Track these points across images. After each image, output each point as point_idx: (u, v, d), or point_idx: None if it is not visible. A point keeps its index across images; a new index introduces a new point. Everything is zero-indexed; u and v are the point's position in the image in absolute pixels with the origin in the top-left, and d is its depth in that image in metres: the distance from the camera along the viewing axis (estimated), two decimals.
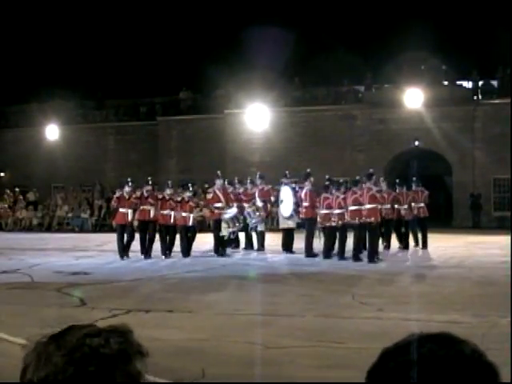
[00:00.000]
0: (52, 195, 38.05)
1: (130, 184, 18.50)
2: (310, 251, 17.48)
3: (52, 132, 38.22)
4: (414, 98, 31.38)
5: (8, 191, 36.16)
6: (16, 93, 38.96)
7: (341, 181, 18.56)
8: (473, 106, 31.85)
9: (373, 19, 36.58)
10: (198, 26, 39.59)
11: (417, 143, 31.99)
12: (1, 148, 39.79)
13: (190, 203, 18.04)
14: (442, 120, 31.25)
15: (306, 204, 17.92)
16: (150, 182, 19.15)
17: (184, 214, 17.85)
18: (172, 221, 18.03)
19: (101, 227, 33.42)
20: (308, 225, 17.87)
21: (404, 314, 8.90)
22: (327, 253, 16.92)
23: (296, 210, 18.48)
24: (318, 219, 17.30)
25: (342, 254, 16.62)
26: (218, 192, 18.43)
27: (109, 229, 32.89)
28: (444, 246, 19.69)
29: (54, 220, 34.69)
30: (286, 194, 18.93)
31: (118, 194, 18.50)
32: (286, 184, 19.42)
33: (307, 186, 18.14)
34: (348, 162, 32.24)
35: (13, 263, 16.06)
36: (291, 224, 18.66)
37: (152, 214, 18.20)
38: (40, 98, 38.80)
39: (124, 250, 17.68)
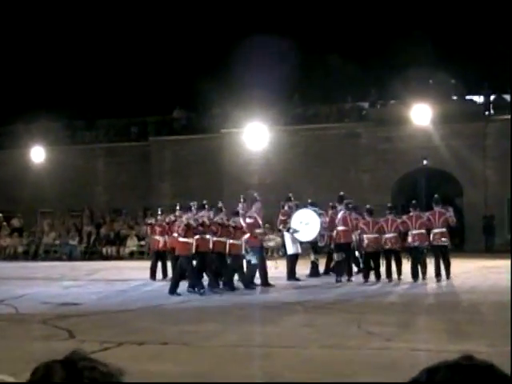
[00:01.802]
0: (38, 221, 38.03)
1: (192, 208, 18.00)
2: (343, 273, 18.14)
3: (38, 154, 38.26)
4: (421, 114, 31.48)
5: None
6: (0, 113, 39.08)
7: (389, 205, 19.29)
8: (484, 122, 31.97)
9: (377, 32, 36.81)
10: (193, 41, 39.85)
11: (425, 162, 32.04)
12: None
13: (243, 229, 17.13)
14: (451, 137, 31.33)
15: (341, 228, 18.14)
16: (207, 207, 17.94)
17: (237, 242, 16.88)
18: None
19: (90, 255, 33.37)
20: (345, 250, 18.20)
21: (414, 344, 8.88)
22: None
23: (322, 234, 18.82)
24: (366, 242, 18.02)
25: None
26: (257, 216, 17.74)
27: (99, 256, 32.96)
28: (456, 272, 19.65)
29: (40, 247, 34.63)
30: (312, 218, 19.02)
31: (183, 221, 16.40)
32: (306, 207, 19.61)
33: (342, 210, 18.42)
34: (352, 183, 32.26)
35: None
36: (299, 249, 18.80)
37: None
38: (25, 119, 38.90)
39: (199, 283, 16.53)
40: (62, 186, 38.07)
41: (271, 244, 18.21)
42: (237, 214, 17.28)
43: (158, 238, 19.94)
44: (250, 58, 33.14)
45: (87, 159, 38.94)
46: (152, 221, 20.66)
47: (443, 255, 18.05)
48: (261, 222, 17.85)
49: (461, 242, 31.68)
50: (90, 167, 38.89)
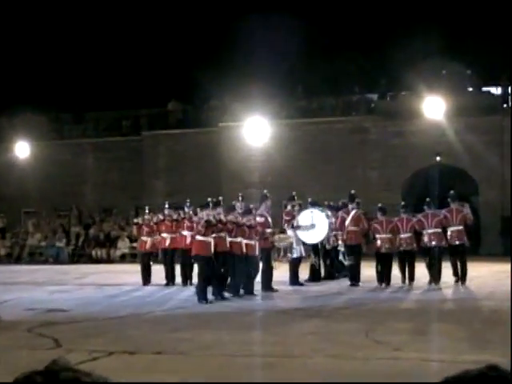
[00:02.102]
0: (22, 221, 38.06)
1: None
2: (356, 279, 18.24)
3: (22, 149, 38.22)
4: (434, 107, 31.48)
5: None
6: None
7: (402, 203, 19.35)
8: (501, 116, 31.95)
9: (386, 18, 36.79)
10: (189, 28, 39.83)
11: (438, 159, 32.05)
12: None
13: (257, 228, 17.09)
14: (466, 132, 31.31)
15: (352, 228, 18.17)
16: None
17: (252, 242, 16.73)
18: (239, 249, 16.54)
19: (78, 258, 33.38)
20: (356, 252, 18.31)
21: (425, 354, 8.88)
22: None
23: (329, 237, 19.04)
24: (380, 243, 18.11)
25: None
26: (267, 215, 17.81)
27: (88, 259, 32.96)
28: (471, 276, 19.64)
29: (24, 250, 34.64)
30: (320, 219, 19.10)
31: (202, 217, 15.98)
32: (313, 206, 19.66)
33: (354, 209, 18.44)
34: (360, 181, 32.25)
35: None
36: (303, 252, 18.84)
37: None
38: (9, 112, 38.90)
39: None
40: (48, 183, 38.08)
41: (283, 244, 18.19)
42: (250, 211, 17.22)
43: (145, 238, 19.93)
44: (251, 47, 33.13)
45: (75, 155, 38.93)
46: (139, 220, 20.66)
47: (461, 256, 18.07)
48: (271, 222, 17.90)
49: (476, 245, 31.66)
50: (78, 163, 38.88)
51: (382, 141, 33.45)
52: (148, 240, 19.79)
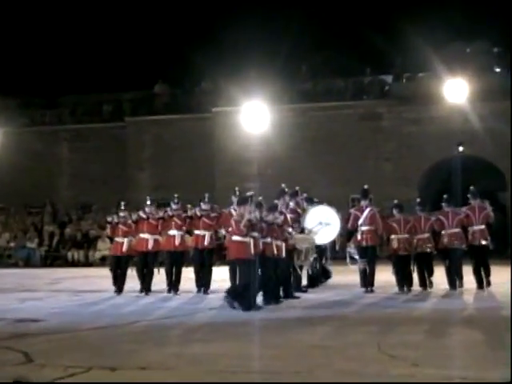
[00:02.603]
0: None
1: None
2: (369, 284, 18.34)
3: None
4: (456, 90, 31.49)
5: None
6: None
7: (418, 200, 19.35)
8: None
9: None
10: (178, 2, 39.76)
11: (460, 149, 32.05)
12: None
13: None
14: (492, 119, 31.33)
15: (367, 228, 18.19)
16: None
17: (280, 243, 16.81)
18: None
19: (53, 260, 33.38)
20: (372, 254, 18.35)
21: (446, 371, 8.86)
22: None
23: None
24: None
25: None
26: (286, 213, 17.97)
27: (63, 262, 32.92)
28: (498, 282, 19.65)
29: None
30: (333, 217, 19.29)
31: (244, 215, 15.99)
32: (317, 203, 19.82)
33: (369, 207, 18.46)
34: (372, 173, 32.30)
35: None
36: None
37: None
38: None
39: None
40: (18, 176, 38.07)
41: (305, 245, 18.24)
42: (275, 208, 17.23)
43: (120, 239, 19.58)
44: (248, 22, 33.09)
45: (49, 144, 38.95)
46: (113, 219, 19.89)
47: (483, 258, 18.19)
48: (290, 220, 18.01)
49: (504, 246, 31.69)
50: (52, 154, 38.91)
51: (396, 128, 33.47)
52: (125, 241, 19.52)
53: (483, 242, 18.27)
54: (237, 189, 19.15)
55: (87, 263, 32.57)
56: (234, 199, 18.06)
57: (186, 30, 38.67)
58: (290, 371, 9.19)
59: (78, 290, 20.61)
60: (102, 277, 25.42)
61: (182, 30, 38.72)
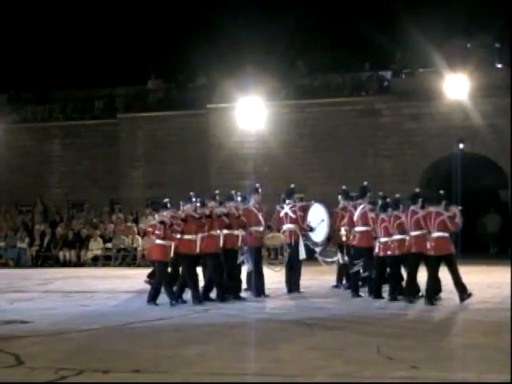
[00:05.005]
0: None
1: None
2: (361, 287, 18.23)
3: None
4: (457, 86, 31.48)
5: None
6: None
7: (397, 196, 18.64)
8: None
9: None
10: None
11: (461, 146, 32.06)
12: None
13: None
14: (494, 115, 31.36)
15: (361, 229, 18.15)
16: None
17: None
18: None
19: (44, 260, 33.33)
20: (366, 256, 18.21)
21: (447, 374, 8.88)
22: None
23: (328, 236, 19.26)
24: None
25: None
26: (256, 211, 18.09)
27: (54, 262, 32.90)
28: (499, 283, 19.68)
29: None
30: (324, 215, 19.34)
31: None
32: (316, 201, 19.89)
33: (362, 205, 18.40)
34: (371, 171, 32.32)
35: None
36: (304, 254, 18.90)
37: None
38: None
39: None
40: (8, 173, 38.03)
41: (275, 243, 18.27)
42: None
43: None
44: (243, 16, 33.07)
45: (39, 141, 38.90)
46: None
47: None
48: (261, 219, 18.21)
49: (504, 246, 31.70)
50: (42, 150, 38.85)
51: (396, 125, 33.45)
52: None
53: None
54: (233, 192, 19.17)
55: (79, 263, 32.53)
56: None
57: (180, 24, 38.63)
58: (286, 374, 9.20)
59: (70, 290, 20.58)
60: (94, 277, 25.45)
61: (175, 24, 38.68)
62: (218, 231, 16.88)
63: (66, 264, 32.44)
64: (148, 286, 18.86)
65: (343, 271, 19.52)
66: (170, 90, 38.72)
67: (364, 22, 34.09)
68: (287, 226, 18.59)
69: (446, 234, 16.60)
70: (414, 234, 16.70)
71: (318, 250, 19.36)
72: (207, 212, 16.63)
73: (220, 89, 35.12)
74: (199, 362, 10.01)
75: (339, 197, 19.90)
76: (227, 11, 34.09)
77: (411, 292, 16.70)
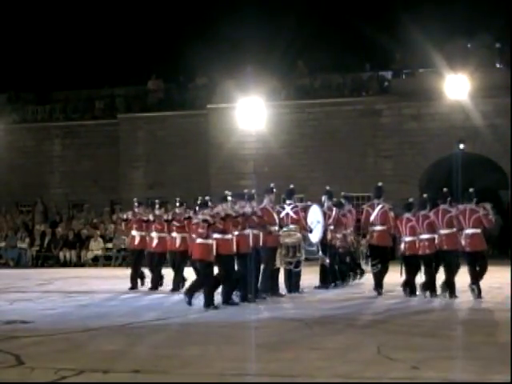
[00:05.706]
0: None
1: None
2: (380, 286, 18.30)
3: None
4: (457, 86, 31.46)
5: None
6: None
7: (424, 196, 18.84)
8: None
9: None
10: None
11: (462, 146, 32.04)
12: None
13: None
14: (495, 115, 31.35)
15: (379, 228, 18.18)
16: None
17: None
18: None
19: (44, 261, 33.33)
20: (383, 256, 18.33)
21: (448, 374, 8.87)
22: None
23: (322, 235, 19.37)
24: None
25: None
26: (271, 211, 18.17)
27: (54, 262, 32.90)
28: (499, 283, 19.67)
29: None
30: (320, 215, 19.43)
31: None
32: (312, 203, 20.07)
33: (381, 205, 18.48)
34: (371, 171, 32.31)
35: None
36: (303, 255, 18.94)
37: None
38: None
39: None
40: (8, 173, 38.02)
41: (292, 240, 18.33)
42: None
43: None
44: (243, 16, 33.05)
45: (40, 141, 38.88)
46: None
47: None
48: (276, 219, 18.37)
49: (505, 246, 31.69)
50: (43, 151, 38.84)
51: (396, 125, 33.44)
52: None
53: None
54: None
55: (79, 263, 32.54)
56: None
57: (180, 24, 38.62)
58: (286, 375, 9.19)
59: (70, 290, 20.60)
60: (94, 277, 25.46)
61: (175, 24, 38.67)
62: (249, 230, 16.81)
63: (66, 264, 32.45)
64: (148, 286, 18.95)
65: (326, 271, 19.68)
66: (170, 90, 38.71)
67: (364, 22, 34.06)
68: (288, 227, 18.61)
69: (479, 231, 17.03)
70: (444, 232, 17.00)
71: (313, 249, 19.42)
72: (241, 211, 16.57)
73: (220, 89, 35.11)
74: (198, 362, 10.00)
75: (323, 197, 20.03)
76: (227, 11, 34.08)
77: (452, 290, 17.16)
